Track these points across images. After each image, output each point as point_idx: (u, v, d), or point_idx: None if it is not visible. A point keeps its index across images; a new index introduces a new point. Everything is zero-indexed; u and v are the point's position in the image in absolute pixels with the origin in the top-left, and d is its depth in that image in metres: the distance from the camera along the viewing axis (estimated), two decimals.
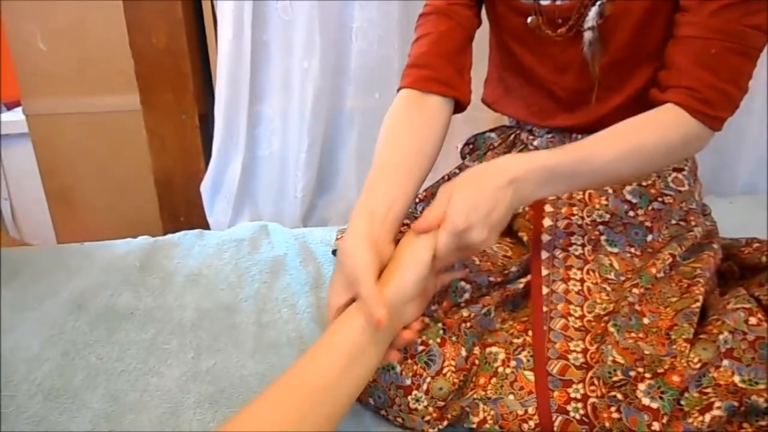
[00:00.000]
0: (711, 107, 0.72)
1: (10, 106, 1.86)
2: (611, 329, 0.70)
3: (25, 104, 1.59)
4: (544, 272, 0.78)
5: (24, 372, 0.81)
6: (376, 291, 0.63)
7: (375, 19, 1.40)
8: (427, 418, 0.70)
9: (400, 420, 0.73)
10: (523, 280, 0.80)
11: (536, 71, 0.89)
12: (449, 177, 0.97)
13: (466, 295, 0.79)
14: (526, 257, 0.83)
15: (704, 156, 1.48)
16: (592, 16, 0.77)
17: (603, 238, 0.83)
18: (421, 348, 0.72)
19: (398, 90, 0.85)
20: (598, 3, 0.77)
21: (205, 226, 1.48)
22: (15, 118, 1.74)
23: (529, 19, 0.83)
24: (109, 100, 1.54)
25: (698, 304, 0.74)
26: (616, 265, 0.80)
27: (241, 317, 0.92)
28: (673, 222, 0.86)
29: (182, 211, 1.50)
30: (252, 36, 1.35)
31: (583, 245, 0.82)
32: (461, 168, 0.97)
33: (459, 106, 0.86)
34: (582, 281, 0.78)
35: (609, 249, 0.81)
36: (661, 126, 0.74)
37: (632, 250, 0.81)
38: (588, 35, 0.78)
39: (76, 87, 1.55)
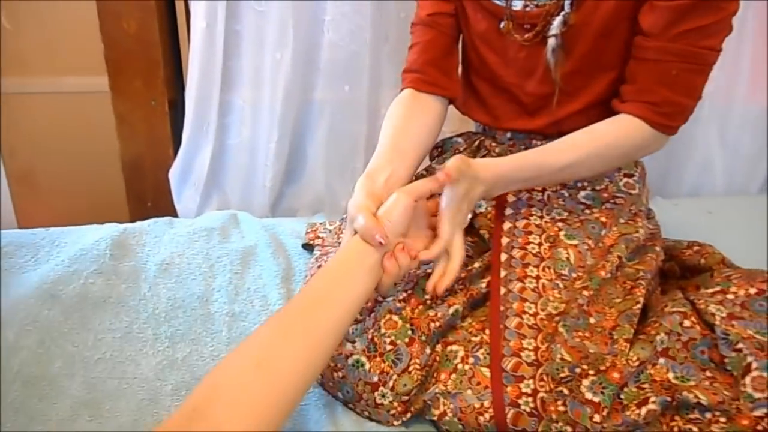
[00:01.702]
0: (668, 118, 0.83)
1: None
2: (561, 329, 0.77)
3: None
4: (502, 273, 0.84)
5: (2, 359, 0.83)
6: (372, 219, 0.72)
7: (347, 13, 1.43)
8: (392, 412, 0.76)
9: (367, 413, 0.78)
10: (485, 280, 0.85)
11: (502, 75, 0.95)
12: (416, 178, 1.01)
13: None
14: (487, 254, 0.89)
15: (653, 160, 1.57)
16: (556, 24, 0.84)
17: (562, 233, 0.89)
18: (389, 347, 0.77)
19: (401, 90, 0.97)
20: (562, 13, 0.83)
21: (173, 212, 1.49)
22: None
23: (501, 24, 0.89)
24: (77, 81, 1.53)
25: (639, 306, 0.81)
26: (572, 259, 0.86)
27: (215, 307, 0.96)
28: (622, 221, 0.93)
29: (150, 197, 1.51)
30: (225, 26, 1.36)
31: (540, 244, 0.88)
32: (427, 170, 1.02)
33: (453, 101, 1.00)
34: (537, 278, 0.84)
35: (567, 242, 0.88)
36: (619, 134, 0.85)
37: (589, 242, 0.88)
38: (551, 42, 0.85)
39: (43, 66, 1.53)
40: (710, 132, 1.58)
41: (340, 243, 1.00)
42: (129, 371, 0.84)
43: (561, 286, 0.83)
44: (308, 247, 1.12)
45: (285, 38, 1.39)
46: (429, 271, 0.85)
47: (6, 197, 1.63)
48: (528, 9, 0.87)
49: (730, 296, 0.80)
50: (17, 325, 0.88)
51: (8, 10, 1.46)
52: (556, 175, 0.86)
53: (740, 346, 0.73)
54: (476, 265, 0.87)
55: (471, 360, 0.77)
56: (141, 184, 1.51)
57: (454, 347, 0.79)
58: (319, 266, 0.99)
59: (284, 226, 1.23)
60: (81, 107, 1.54)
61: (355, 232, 0.73)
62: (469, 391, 0.74)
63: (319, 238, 1.10)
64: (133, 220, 1.23)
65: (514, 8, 0.88)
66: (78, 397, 0.79)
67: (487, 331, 0.79)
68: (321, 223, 1.14)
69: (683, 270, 0.98)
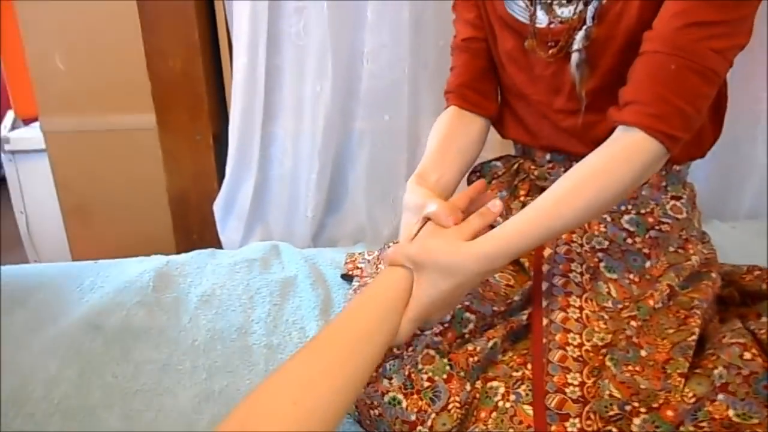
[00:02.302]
0: (665, 123, 0.71)
1: (27, 122, 1.91)
2: (608, 363, 0.72)
3: (43, 121, 1.63)
4: (543, 303, 0.81)
5: (42, 391, 0.84)
6: (442, 203, 0.75)
7: (386, 43, 1.44)
8: None
9: None
10: (526, 312, 0.82)
11: (530, 93, 0.93)
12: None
13: (471, 326, 0.81)
14: (528, 285, 0.86)
15: (709, 181, 1.53)
16: (579, 38, 0.80)
17: (602, 265, 0.84)
18: (427, 384, 0.75)
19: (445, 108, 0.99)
20: (584, 27, 0.80)
21: (218, 244, 1.51)
22: (32, 134, 1.78)
23: (526, 42, 0.87)
24: (125, 119, 1.58)
25: (694, 337, 0.76)
26: (613, 292, 0.81)
27: (253, 339, 0.95)
28: (671, 249, 0.87)
29: (195, 229, 1.54)
30: (266, 60, 1.39)
31: (581, 273, 0.84)
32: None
33: (493, 121, 1.00)
34: (581, 308, 0.80)
35: (608, 275, 0.83)
36: (621, 165, 0.73)
37: (631, 276, 0.83)
38: (575, 57, 0.81)
39: (93, 105, 1.58)
40: (766, 151, 1.51)
41: (378, 273, 0.99)
42: (167, 403, 0.83)
43: (606, 317, 0.79)
44: (347, 277, 1.10)
45: (324, 70, 1.41)
46: (466, 303, 0.82)
47: (61, 231, 1.69)
48: (552, 26, 0.85)
49: None
50: (60, 357, 0.90)
51: (60, 51, 1.53)
52: (560, 232, 0.78)
53: None
54: (516, 297, 0.84)
55: (512, 397, 0.73)
56: (187, 216, 1.54)
57: (495, 383, 0.75)
58: None
59: (324, 256, 1.23)
60: (129, 144, 1.59)
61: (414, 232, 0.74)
62: (511, 431, 0.70)
63: (357, 268, 1.09)
64: (179, 252, 1.25)
65: (538, 25, 0.86)
66: (115, 429, 0.79)
67: (529, 366, 0.75)
68: (360, 254, 1.13)
69: (743, 296, 0.92)
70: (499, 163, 1.03)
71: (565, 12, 0.84)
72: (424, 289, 0.71)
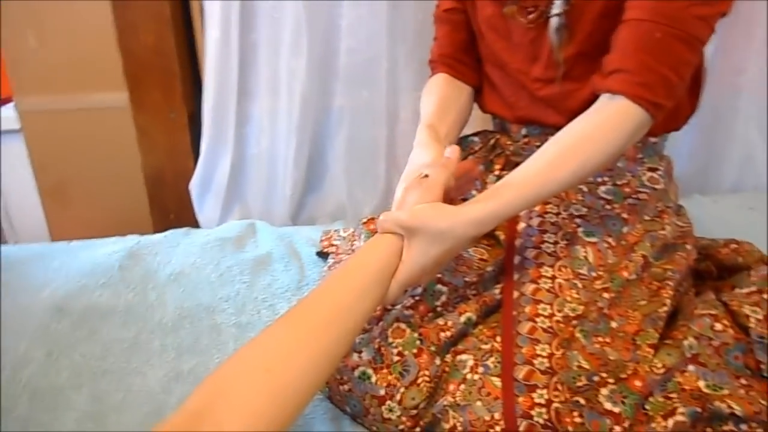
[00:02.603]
0: (651, 91, 0.72)
1: (2, 103, 1.87)
2: (578, 335, 0.72)
3: (17, 101, 1.60)
4: (515, 276, 0.80)
5: (9, 372, 0.82)
6: (448, 158, 0.79)
7: (363, 17, 1.40)
8: (401, 426, 0.72)
9: (375, 428, 0.74)
10: (499, 286, 0.81)
11: (509, 62, 0.92)
12: None
13: (443, 298, 0.80)
14: (501, 258, 0.84)
15: (690, 155, 1.51)
16: (558, 3, 0.80)
17: (580, 230, 0.83)
18: (397, 358, 0.73)
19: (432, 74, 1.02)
20: None
21: (195, 224, 1.49)
22: (7, 114, 1.75)
23: (505, 8, 0.86)
24: (100, 97, 1.55)
25: (665, 308, 0.75)
26: (590, 257, 0.80)
27: (222, 318, 0.94)
28: (647, 218, 0.86)
29: (172, 208, 1.51)
30: (240, 35, 1.35)
31: (555, 242, 0.82)
32: None
33: (476, 91, 1.02)
34: (553, 278, 0.78)
35: (586, 239, 0.82)
36: (607, 133, 0.74)
37: (609, 240, 0.82)
38: (554, 22, 0.81)
39: (68, 84, 1.55)
40: (750, 125, 1.49)
41: (353, 250, 0.98)
42: (135, 383, 0.82)
43: (579, 285, 0.78)
44: (322, 255, 1.09)
45: (300, 45, 1.38)
46: (439, 275, 0.81)
47: (39, 211, 1.67)
48: None
49: (767, 296, 0.73)
50: (27, 338, 0.88)
51: (33, 30, 1.50)
52: (548, 196, 0.78)
53: None
54: (489, 268, 0.83)
55: (480, 369, 0.72)
56: (163, 196, 1.51)
57: (464, 356, 0.74)
58: None
59: (301, 234, 1.21)
60: (105, 122, 1.56)
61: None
62: (479, 403, 0.69)
63: (333, 245, 1.07)
64: (156, 232, 1.23)
65: None
66: (83, 410, 0.78)
67: (498, 339, 0.74)
68: (335, 231, 1.12)
69: (720, 270, 0.92)
70: (476, 138, 1.02)
71: None
72: (414, 255, 0.70)
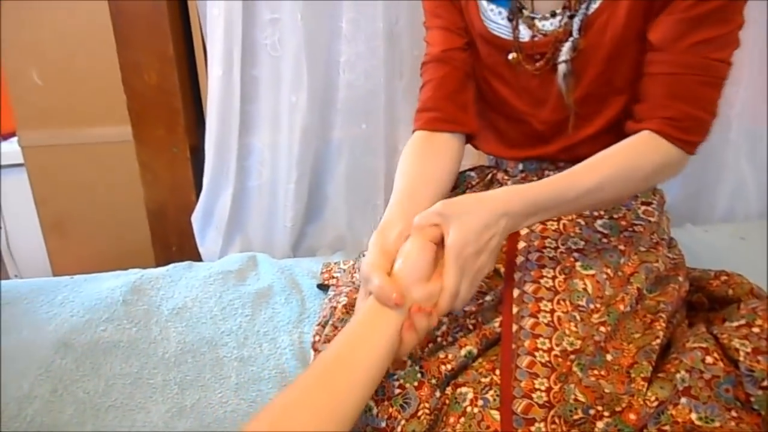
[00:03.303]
0: (687, 133, 0.80)
1: (5, 137, 1.90)
2: (575, 369, 0.73)
3: (21, 135, 1.63)
4: (514, 310, 0.81)
5: (15, 409, 0.84)
6: (386, 278, 0.70)
7: (362, 54, 1.44)
8: None
9: None
10: (498, 319, 0.82)
11: (514, 105, 0.94)
12: None
13: (443, 327, 0.81)
14: (500, 288, 0.86)
15: (682, 185, 1.54)
16: (565, 50, 0.83)
17: (578, 264, 0.85)
18: (398, 391, 0.75)
19: (413, 132, 0.93)
20: (570, 39, 0.83)
21: (197, 255, 1.51)
22: (10, 149, 1.78)
23: (510, 56, 0.88)
24: (102, 132, 1.58)
25: (658, 341, 0.77)
26: (589, 289, 0.82)
27: (224, 351, 0.95)
28: (642, 249, 0.89)
29: (174, 241, 1.54)
30: (241, 72, 1.39)
31: (554, 277, 0.84)
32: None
33: (470, 137, 0.96)
34: (552, 312, 0.80)
35: (584, 273, 0.83)
36: (639, 152, 0.81)
37: (608, 271, 0.84)
38: (562, 68, 0.84)
39: (71, 119, 1.58)
40: (740, 154, 1.53)
41: (353, 282, 0.99)
42: (139, 419, 0.83)
43: (578, 318, 0.79)
44: (323, 287, 1.11)
45: (300, 80, 1.41)
46: None
47: (41, 245, 1.68)
48: (536, 39, 0.87)
49: (755, 329, 0.75)
50: (32, 375, 0.89)
51: (37, 66, 1.53)
52: (579, 201, 0.81)
53: (767, 383, 0.68)
54: (488, 298, 0.84)
55: (480, 402, 0.73)
56: (165, 229, 1.53)
57: (464, 389, 0.76)
58: (332, 307, 0.97)
59: (301, 266, 1.23)
60: (107, 157, 1.59)
61: (371, 293, 0.71)
62: None
63: (333, 278, 1.09)
64: (158, 265, 1.25)
65: (521, 40, 0.88)
66: None
67: (498, 372, 0.76)
68: (336, 263, 1.14)
69: (711, 302, 0.93)
70: (473, 173, 1.05)
71: (547, 25, 0.87)
72: (457, 235, 0.72)
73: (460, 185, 1.04)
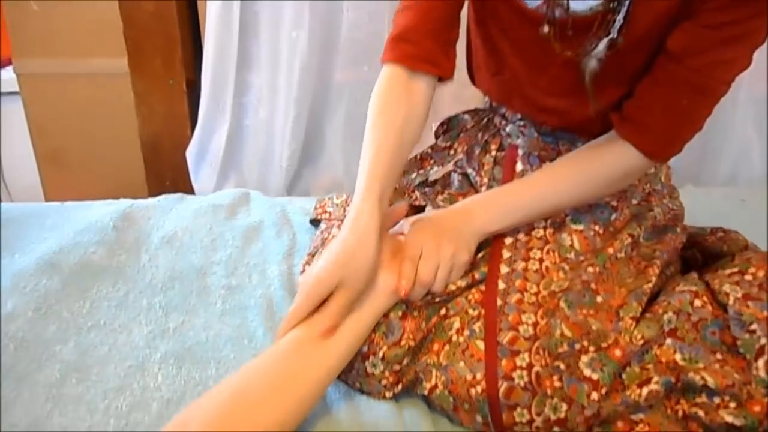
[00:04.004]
0: (664, 149, 0.78)
1: (2, 65, 1.87)
2: (562, 305, 0.73)
3: (16, 63, 1.60)
4: (507, 254, 0.80)
5: None
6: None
7: None
8: (384, 382, 0.73)
9: (358, 385, 0.75)
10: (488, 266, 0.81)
11: (522, 80, 0.86)
12: (421, 157, 0.98)
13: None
14: (489, 247, 0.84)
15: (687, 147, 1.51)
16: (601, 48, 0.74)
17: (568, 218, 0.84)
18: (381, 320, 0.74)
19: (383, 61, 0.84)
20: (609, 37, 0.73)
21: (191, 191, 1.50)
22: (7, 76, 1.75)
23: (545, 28, 0.76)
24: (99, 63, 1.55)
25: (650, 285, 0.76)
26: (576, 244, 0.81)
27: (212, 279, 0.94)
28: (635, 202, 0.88)
29: (168, 175, 1.52)
30: (241, 5, 1.35)
31: (545, 228, 0.83)
32: (433, 148, 0.98)
33: (444, 81, 0.87)
34: (541, 260, 0.80)
35: (573, 227, 0.83)
36: (607, 162, 0.80)
37: (596, 227, 0.83)
38: (593, 65, 0.75)
39: (68, 48, 1.55)
40: (747, 118, 1.50)
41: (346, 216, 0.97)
42: (120, 339, 0.83)
43: (566, 268, 0.79)
44: (316, 222, 1.10)
45: (302, 19, 1.38)
46: None
47: (35, 175, 1.67)
48: (575, 13, 0.76)
49: (748, 277, 0.74)
50: (17, 294, 0.88)
51: None
52: (543, 200, 0.81)
53: (754, 327, 0.67)
54: (480, 254, 0.82)
55: (466, 332, 0.73)
56: (160, 163, 1.52)
57: (451, 320, 0.75)
58: (323, 239, 0.96)
59: (294, 204, 1.21)
60: (103, 88, 1.56)
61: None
62: (462, 363, 0.70)
63: (326, 212, 1.08)
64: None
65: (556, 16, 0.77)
66: (68, 361, 0.78)
67: None
68: (329, 198, 1.12)
69: (705, 258, 0.92)
70: (467, 116, 1.00)
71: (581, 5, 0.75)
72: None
73: (452, 128, 1.01)
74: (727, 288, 0.72)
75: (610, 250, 0.81)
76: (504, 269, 0.78)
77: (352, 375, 0.75)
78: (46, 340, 0.81)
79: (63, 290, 0.90)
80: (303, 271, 0.93)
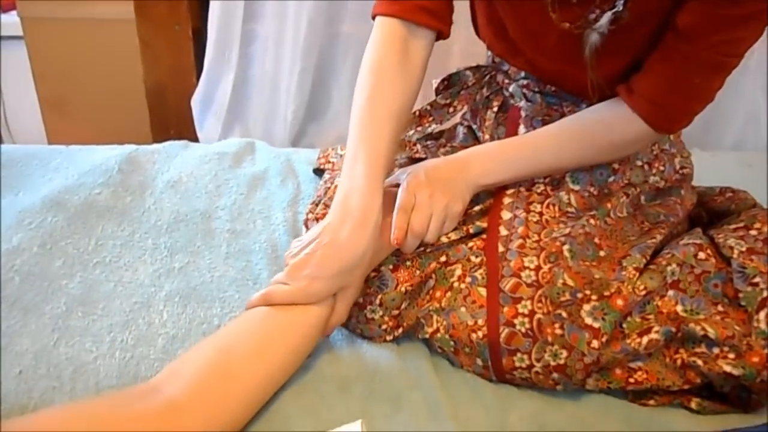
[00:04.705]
0: (670, 123, 0.77)
1: (6, 10, 1.84)
2: (566, 253, 0.72)
3: (21, 7, 1.57)
4: (508, 201, 0.80)
5: (3, 259, 0.83)
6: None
7: None
8: (384, 326, 0.74)
9: (359, 331, 0.76)
10: (486, 218, 0.80)
11: (523, 45, 0.83)
12: (420, 113, 0.96)
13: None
14: (489, 200, 0.83)
15: None
16: (605, 21, 0.71)
17: (568, 176, 0.83)
18: (373, 274, 0.74)
19: (376, 14, 0.80)
20: (614, 10, 0.70)
21: (196, 140, 1.49)
22: (11, 20, 1.72)
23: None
24: (104, 8, 1.53)
25: (655, 241, 0.76)
26: (573, 201, 0.81)
27: (217, 224, 0.94)
28: (638, 164, 0.86)
29: (173, 124, 1.51)
30: None
31: (545, 183, 0.82)
32: (432, 105, 0.96)
33: (440, 37, 0.83)
34: (541, 214, 0.79)
35: (571, 186, 0.82)
36: (612, 129, 0.78)
37: (591, 189, 0.82)
38: (594, 39, 0.72)
39: None
40: (757, 84, 1.48)
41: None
42: (126, 276, 0.84)
43: (566, 220, 0.78)
44: (319, 172, 1.09)
45: None
46: None
47: (38, 120, 1.66)
48: None
49: (752, 232, 0.74)
50: (22, 230, 0.89)
51: None
52: (542, 160, 0.80)
53: (757, 280, 0.68)
54: (476, 208, 0.82)
55: (468, 279, 0.73)
56: (164, 111, 1.51)
57: (453, 267, 0.75)
58: (327, 187, 0.96)
59: (299, 154, 1.21)
60: (108, 33, 1.54)
61: None
62: (463, 309, 0.71)
63: (330, 162, 1.07)
64: None
65: None
66: (74, 295, 0.79)
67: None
68: (333, 149, 1.11)
69: (711, 217, 0.92)
70: (469, 73, 0.96)
71: None
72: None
73: (453, 85, 0.97)
74: (731, 242, 0.72)
75: (608, 205, 0.80)
76: (506, 215, 0.78)
77: (352, 323, 0.75)
78: (51, 274, 0.82)
79: (68, 227, 0.90)
80: (307, 219, 0.93)
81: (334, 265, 0.67)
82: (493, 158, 0.80)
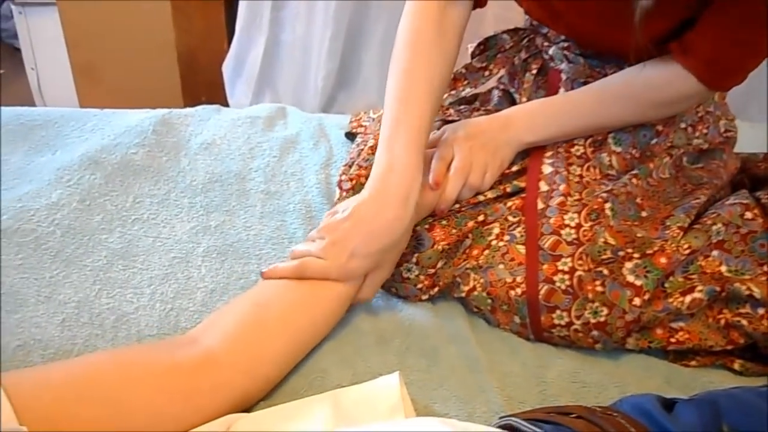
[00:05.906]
0: (724, 79, 0.74)
1: None
2: (608, 211, 0.71)
3: None
4: (549, 156, 0.78)
5: (44, 213, 0.85)
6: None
7: None
8: (420, 286, 0.73)
9: (394, 290, 0.76)
10: (524, 178, 0.79)
11: (564, 7, 0.80)
12: (454, 77, 0.94)
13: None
14: (527, 159, 0.81)
15: None
16: None
17: (610, 136, 0.81)
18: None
19: None
20: None
21: (227, 106, 1.49)
22: None
23: None
24: None
25: (699, 201, 0.75)
26: (615, 163, 0.79)
27: (251, 185, 0.95)
28: (683, 126, 0.84)
29: (204, 90, 1.52)
30: None
31: (584, 145, 0.81)
32: (467, 68, 0.94)
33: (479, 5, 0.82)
34: (581, 176, 0.78)
35: (613, 147, 0.80)
36: (659, 86, 0.75)
37: (633, 151, 0.80)
38: (645, 2, 0.67)
39: None
40: None
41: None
42: (164, 232, 0.85)
43: (607, 182, 0.77)
44: (351, 135, 1.09)
45: None
46: None
47: (71, 88, 1.67)
48: None
49: None
50: (61, 187, 0.90)
51: None
52: (585, 117, 0.78)
53: None
54: (514, 168, 0.80)
55: (506, 237, 0.73)
56: (195, 76, 1.51)
57: (491, 225, 0.75)
58: (359, 150, 0.95)
59: (330, 119, 1.20)
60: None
61: None
62: (501, 266, 0.70)
63: (362, 126, 1.07)
64: None
65: None
66: (114, 248, 0.80)
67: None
68: (365, 112, 1.11)
69: (754, 183, 0.89)
70: (506, 36, 0.94)
71: None
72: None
73: (490, 48, 0.95)
74: None
75: (651, 166, 0.78)
76: (547, 169, 0.77)
77: (388, 282, 0.75)
78: (91, 228, 0.83)
79: (106, 185, 0.91)
80: (340, 180, 0.92)
81: (374, 243, 0.66)
82: (536, 115, 0.78)
